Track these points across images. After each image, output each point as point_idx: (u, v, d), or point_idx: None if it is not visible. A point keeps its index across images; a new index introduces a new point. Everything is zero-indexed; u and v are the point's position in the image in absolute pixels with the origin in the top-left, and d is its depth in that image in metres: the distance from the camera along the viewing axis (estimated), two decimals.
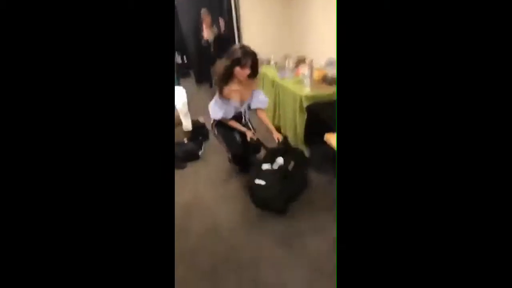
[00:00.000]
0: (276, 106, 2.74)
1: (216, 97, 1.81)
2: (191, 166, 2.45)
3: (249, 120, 2.07)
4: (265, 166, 1.86)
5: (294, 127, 2.29)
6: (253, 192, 1.82)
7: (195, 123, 2.94)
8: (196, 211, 1.90)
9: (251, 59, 1.69)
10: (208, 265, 1.49)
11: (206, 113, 2.10)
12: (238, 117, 1.97)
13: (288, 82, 2.51)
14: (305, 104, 2.09)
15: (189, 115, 2.85)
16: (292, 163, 1.86)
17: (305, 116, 2.12)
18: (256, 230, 1.71)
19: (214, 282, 1.40)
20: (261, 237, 1.66)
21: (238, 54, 1.67)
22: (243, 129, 1.96)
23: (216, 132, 2.03)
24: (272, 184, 1.76)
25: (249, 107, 2.00)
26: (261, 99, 1.96)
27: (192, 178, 2.28)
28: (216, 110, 1.85)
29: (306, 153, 2.25)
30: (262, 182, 1.77)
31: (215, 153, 2.45)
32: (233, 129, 1.97)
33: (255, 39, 4.03)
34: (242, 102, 1.92)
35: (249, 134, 1.94)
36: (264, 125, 2.07)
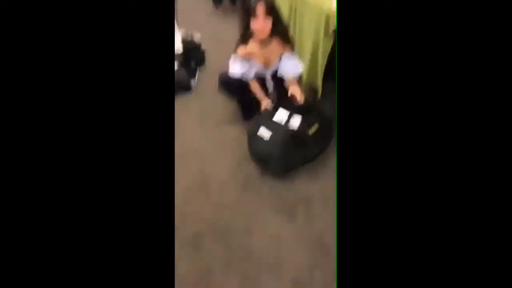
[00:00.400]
0: (289, 24, 2.08)
1: (235, 55, 1.52)
2: (180, 100, 2.01)
3: (274, 89, 1.67)
4: (280, 115, 1.45)
5: (314, 57, 1.73)
6: (252, 144, 1.45)
7: (188, 44, 2.35)
8: (181, 160, 1.58)
9: (264, 4, 1.32)
10: (190, 231, 1.25)
11: (203, 27, 1.57)
12: (261, 83, 1.63)
13: None
14: (333, 27, 1.49)
15: (179, 32, 2.24)
16: (315, 127, 1.45)
17: (331, 43, 1.55)
18: (251, 191, 1.42)
19: (196, 251, 1.18)
20: (257, 200, 1.38)
21: (248, 1, 1.35)
22: (261, 96, 1.59)
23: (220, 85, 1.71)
24: (276, 142, 1.38)
25: (275, 74, 1.60)
26: (289, 65, 1.53)
27: (179, 117, 1.88)
28: (235, 66, 1.53)
29: (319, 92, 1.76)
30: (265, 135, 1.39)
31: (212, 84, 1.98)
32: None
33: None
34: (267, 67, 1.57)
35: (265, 103, 1.55)
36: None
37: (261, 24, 1.35)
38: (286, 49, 1.51)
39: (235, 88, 1.65)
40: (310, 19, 1.72)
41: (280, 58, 1.53)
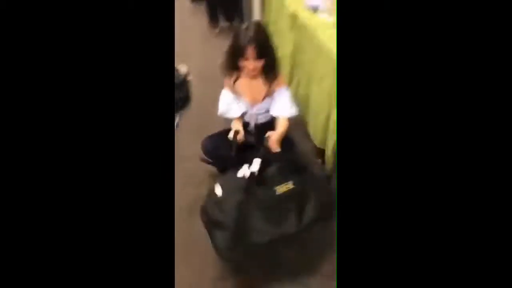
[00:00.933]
0: (292, 68, 1.63)
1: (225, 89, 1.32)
2: None
3: (256, 130, 1.34)
4: (243, 171, 1.07)
5: (326, 114, 1.27)
6: (206, 206, 1.06)
7: None
8: None
9: (255, 45, 1.12)
10: None
11: (194, 57, 1.30)
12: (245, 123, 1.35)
13: (321, 24, 1.36)
14: None
15: None
16: (287, 186, 1.04)
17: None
18: None
19: None
20: None
21: (239, 39, 1.14)
22: (237, 127, 1.25)
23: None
24: (228, 200, 0.99)
25: (265, 113, 1.31)
26: (285, 102, 1.26)
27: None
28: (223, 101, 1.29)
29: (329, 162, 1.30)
30: (218, 192, 1.03)
31: (197, 140, 1.52)
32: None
33: None
34: (254, 102, 1.28)
35: (236, 127, 1.23)
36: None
37: (251, 65, 1.14)
38: (279, 82, 1.24)
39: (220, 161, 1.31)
40: (321, 62, 1.27)
41: (273, 94, 1.25)
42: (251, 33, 1.10)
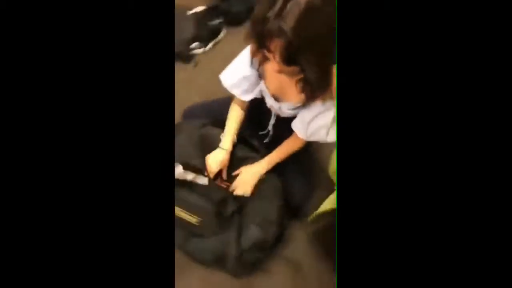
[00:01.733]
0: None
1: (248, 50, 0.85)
2: None
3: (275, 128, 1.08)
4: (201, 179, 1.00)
5: None
6: None
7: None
8: None
9: (282, 50, 0.64)
10: None
11: None
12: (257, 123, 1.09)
13: None
14: None
15: None
16: (190, 218, 0.96)
17: None
18: None
19: None
20: None
21: (264, 24, 0.63)
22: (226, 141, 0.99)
23: None
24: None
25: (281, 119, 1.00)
26: (315, 122, 0.91)
27: None
28: (234, 71, 0.93)
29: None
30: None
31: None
32: None
33: None
34: (278, 99, 0.94)
35: (229, 137, 0.99)
36: None
37: (276, 67, 0.72)
38: (322, 91, 0.80)
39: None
40: None
41: (307, 103, 0.86)
42: (285, 17, 0.60)
